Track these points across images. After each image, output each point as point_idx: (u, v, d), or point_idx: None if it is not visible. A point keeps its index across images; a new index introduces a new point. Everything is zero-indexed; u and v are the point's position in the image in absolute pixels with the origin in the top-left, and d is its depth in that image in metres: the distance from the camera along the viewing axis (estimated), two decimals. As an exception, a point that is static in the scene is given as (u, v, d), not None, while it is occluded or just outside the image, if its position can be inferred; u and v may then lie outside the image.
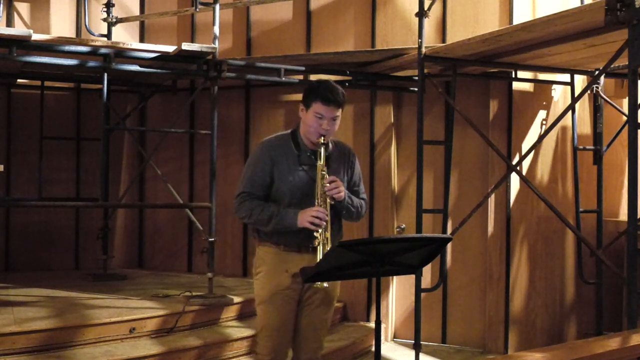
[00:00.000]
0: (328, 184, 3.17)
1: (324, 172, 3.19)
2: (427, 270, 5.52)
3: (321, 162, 3.20)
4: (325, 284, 3.12)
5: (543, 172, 5.62)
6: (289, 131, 3.42)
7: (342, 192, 3.23)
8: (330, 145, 3.35)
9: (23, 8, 6.69)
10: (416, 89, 5.23)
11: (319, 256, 3.11)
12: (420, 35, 4.79)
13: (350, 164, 3.44)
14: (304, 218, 3.16)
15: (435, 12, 5.49)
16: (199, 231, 5.41)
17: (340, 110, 3.26)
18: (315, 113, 3.22)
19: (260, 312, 3.35)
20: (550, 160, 5.65)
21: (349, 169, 3.42)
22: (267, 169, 3.29)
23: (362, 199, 3.46)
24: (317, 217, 3.14)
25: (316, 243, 3.14)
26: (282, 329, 3.30)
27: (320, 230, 3.14)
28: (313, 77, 6.04)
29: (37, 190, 6.56)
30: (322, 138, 3.21)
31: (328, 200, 3.18)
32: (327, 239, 3.14)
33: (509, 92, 5.62)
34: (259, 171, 3.31)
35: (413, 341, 4.85)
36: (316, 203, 3.19)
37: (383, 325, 5.82)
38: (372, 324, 5.77)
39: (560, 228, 5.54)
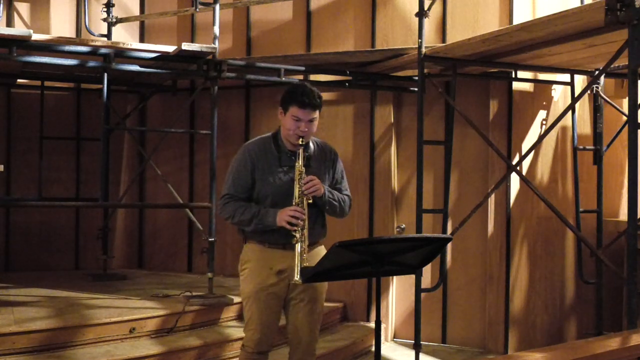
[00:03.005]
0: (305, 184, 3.25)
1: (301, 172, 3.28)
2: (427, 270, 5.51)
3: (299, 162, 3.29)
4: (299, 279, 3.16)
5: (543, 172, 5.62)
6: (270, 134, 3.52)
7: (321, 190, 3.32)
8: (312, 145, 3.46)
9: (23, 8, 6.69)
10: (416, 89, 5.23)
11: (297, 254, 3.18)
12: (420, 35, 4.79)
13: (332, 162, 3.53)
14: (282, 217, 3.26)
15: (435, 12, 5.49)
16: (199, 231, 5.41)
17: (317, 112, 3.35)
18: (292, 116, 3.32)
19: (246, 307, 3.46)
20: (550, 160, 5.65)
21: (330, 168, 3.52)
22: (248, 171, 3.41)
23: (346, 195, 3.55)
24: (293, 217, 3.22)
25: (294, 241, 3.22)
26: (266, 323, 3.41)
27: (297, 229, 3.22)
28: (313, 77, 6.05)
29: (37, 190, 6.56)
30: (301, 140, 3.30)
31: (306, 200, 3.26)
32: (304, 236, 3.21)
33: (509, 92, 5.62)
34: (241, 174, 3.43)
35: (413, 341, 4.85)
36: (294, 202, 3.27)
37: (383, 325, 5.82)
38: (372, 324, 5.77)
39: (560, 228, 5.54)
